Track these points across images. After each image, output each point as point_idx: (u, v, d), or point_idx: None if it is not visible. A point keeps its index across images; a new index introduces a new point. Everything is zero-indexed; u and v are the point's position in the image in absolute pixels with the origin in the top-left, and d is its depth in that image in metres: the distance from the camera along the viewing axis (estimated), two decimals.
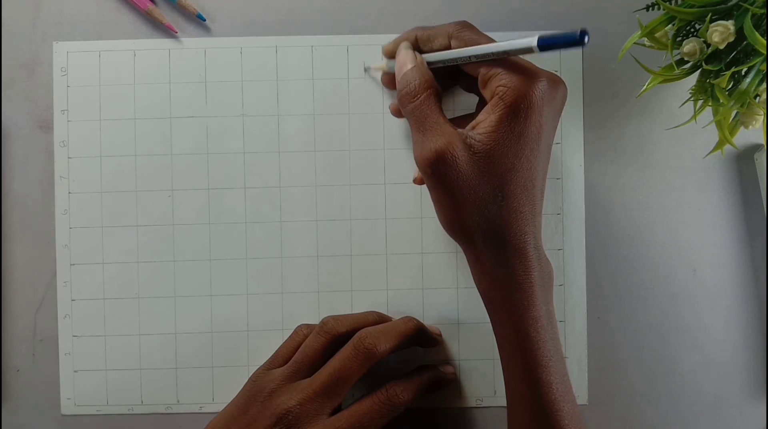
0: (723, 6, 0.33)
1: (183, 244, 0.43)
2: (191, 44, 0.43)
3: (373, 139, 0.43)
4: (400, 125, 0.43)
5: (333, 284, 0.43)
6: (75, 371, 0.43)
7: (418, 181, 0.41)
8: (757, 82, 0.33)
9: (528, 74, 0.34)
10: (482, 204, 0.35)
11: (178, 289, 0.43)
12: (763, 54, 0.32)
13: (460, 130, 0.35)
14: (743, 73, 0.34)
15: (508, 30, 0.43)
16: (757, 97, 0.34)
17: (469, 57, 0.35)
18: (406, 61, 0.38)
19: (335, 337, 0.39)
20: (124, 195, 0.43)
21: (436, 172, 0.35)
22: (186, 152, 0.43)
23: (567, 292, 0.43)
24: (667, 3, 0.35)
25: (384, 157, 0.43)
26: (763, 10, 0.32)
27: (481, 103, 0.38)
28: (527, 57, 0.34)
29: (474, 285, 0.37)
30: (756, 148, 0.43)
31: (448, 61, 0.37)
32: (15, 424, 0.43)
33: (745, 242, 0.43)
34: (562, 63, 0.43)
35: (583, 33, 0.31)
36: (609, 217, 0.43)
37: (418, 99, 0.36)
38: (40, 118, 0.43)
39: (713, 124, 0.36)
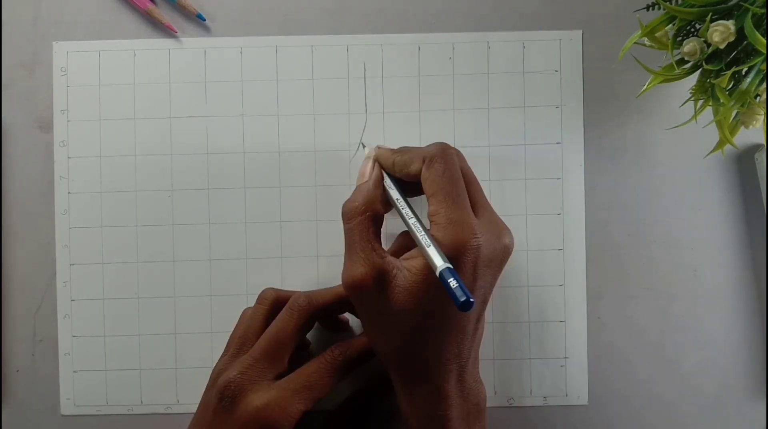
0: (723, 6, 0.33)
1: (183, 244, 0.43)
2: (191, 44, 0.43)
3: (374, 138, 0.43)
4: (400, 123, 0.43)
5: (333, 284, 0.43)
6: (75, 371, 0.43)
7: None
8: (757, 81, 0.33)
9: (461, 234, 0.33)
10: (401, 335, 0.35)
11: (177, 289, 0.43)
12: (763, 54, 0.32)
13: (391, 258, 0.35)
14: (744, 72, 0.34)
15: (508, 30, 0.43)
16: (758, 97, 0.34)
17: (403, 218, 0.36)
18: (364, 173, 0.38)
19: (273, 304, 0.39)
20: (123, 195, 0.43)
21: (354, 297, 0.36)
22: (186, 152, 0.43)
23: (567, 292, 0.43)
24: (668, 3, 0.35)
25: None
26: (764, 10, 0.32)
27: None
28: None
29: None
30: (756, 148, 0.43)
31: (392, 202, 0.37)
32: (15, 424, 0.43)
33: (745, 242, 0.43)
34: (563, 63, 0.43)
35: (466, 303, 0.30)
36: (609, 217, 0.43)
37: (352, 222, 0.36)
38: (40, 118, 0.43)
39: (713, 124, 0.36)
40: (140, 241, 0.43)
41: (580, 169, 0.43)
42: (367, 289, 0.35)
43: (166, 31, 0.43)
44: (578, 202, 0.43)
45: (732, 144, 0.36)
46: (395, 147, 0.43)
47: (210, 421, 0.36)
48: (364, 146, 0.43)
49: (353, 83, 0.43)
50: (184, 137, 0.43)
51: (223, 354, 0.39)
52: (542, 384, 0.43)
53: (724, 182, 0.43)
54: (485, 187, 0.43)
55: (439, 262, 0.32)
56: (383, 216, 0.37)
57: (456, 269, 0.33)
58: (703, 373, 0.43)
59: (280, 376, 0.37)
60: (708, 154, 0.39)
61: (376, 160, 0.39)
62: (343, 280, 0.36)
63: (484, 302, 0.36)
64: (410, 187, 0.37)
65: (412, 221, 0.35)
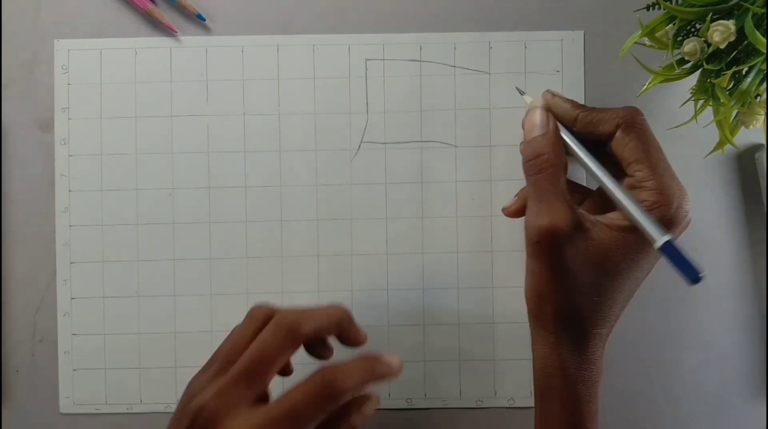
0: (724, 5, 0.33)
1: (183, 243, 0.43)
2: (193, 43, 0.43)
3: (375, 137, 0.43)
4: (401, 123, 0.43)
5: (333, 284, 0.43)
6: (74, 370, 0.43)
7: (507, 213, 0.40)
8: (757, 81, 0.33)
9: (675, 210, 0.34)
10: (577, 291, 0.35)
11: (177, 287, 0.43)
12: (763, 53, 0.32)
13: (582, 211, 0.35)
14: (744, 72, 0.34)
15: (508, 30, 0.43)
16: (758, 97, 0.34)
17: (600, 181, 0.35)
18: (537, 125, 0.37)
19: (265, 321, 0.34)
20: (124, 193, 0.43)
21: (541, 245, 0.35)
22: (187, 151, 0.43)
23: None
24: (668, 2, 0.35)
25: (385, 156, 0.43)
26: (764, 10, 0.32)
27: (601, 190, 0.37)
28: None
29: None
30: (756, 147, 0.43)
31: (578, 158, 0.36)
32: (14, 422, 0.43)
33: (745, 242, 0.43)
34: (564, 63, 0.43)
35: (699, 278, 0.31)
36: None
37: (542, 173, 0.36)
38: (40, 117, 0.43)
39: (714, 123, 0.36)
40: (140, 240, 0.43)
41: (581, 169, 0.43)
42: (560, 236, 0.34)
43: (166, 31, 0.43)
44: None
45: (732, 144, 0.37)
46: (395, 145, 0.43)
47: None
48: (522, 93, 0.41)
49: (354, 82, 0.43)
50: (185, 136, 0.43)
51: (201, 370, 0.34)
52: None
53: (724, 182, 0.43)
54: (487, 187, 0.43)
55: (658, 235, 0.32)
56: (569, 168, 0.36)
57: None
58: (703, 373, 0.43)
59: (259, 399, 0.32)
60: (708, 154, 0.39)
61: (549, 110, 0.37)
62: (530, 226, 0.35)
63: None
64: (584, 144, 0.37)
65: (612, 182, 0.35)
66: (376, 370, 0.34)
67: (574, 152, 0.36)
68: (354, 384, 0.32)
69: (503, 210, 0.41)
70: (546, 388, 0.36)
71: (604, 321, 0.35)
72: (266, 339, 0.33)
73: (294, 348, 0.33)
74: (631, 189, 0.35)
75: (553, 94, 0.38)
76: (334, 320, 0.35)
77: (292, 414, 0.31)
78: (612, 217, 0.35)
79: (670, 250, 0.32)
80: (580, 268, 0.34)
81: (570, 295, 0.35)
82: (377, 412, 0.42)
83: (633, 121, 0.35)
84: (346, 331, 0.36)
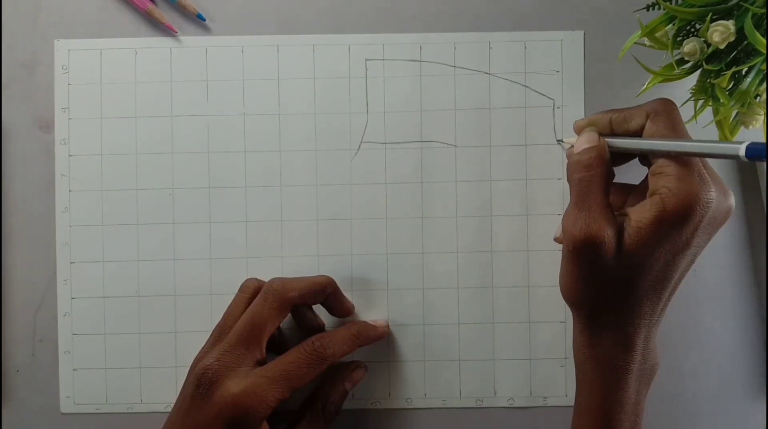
0: (723, 6, 0.33)
1: (183, 243, 0.43)
2: (193, 43, 0.43)
3: (375, 137, 0.43)
4: (401, 123, 0.43)
5: None
6: (74, 369, 0.43)
7: (559, 241, 0.41)
8: (757, 81, 0.33)
9: (696, 186, 0.33)
10: (606, 287, 0.35)
11: (178, 287, 0.43)
12: (763, 54, 0.32)
13: (618, 216, 0.35)
14: (744, 72, 0.34)
15: (508, 30, 0.43)
16: (758, 97, 0.34)
17: (662, 151, 0.34)
18: (586, 141, 0.37)
19: (255, 293, 0.40)
20: (124, 193, 0.43)
21: (578, 251, 0.35)
22: (187, 151, 0.43)
23: None
24: (668, 2, 0.35)
25: (385, 156, 0.43)
26: (764, 10, 0.32)
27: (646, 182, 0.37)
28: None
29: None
30: None
31: (634, 150, 0.36)
32: (15, 422, 0.43)
33: (745, 242, 0.43)
34: (564, 63, 0.43)
35: None
36: None
37: (590, 172, 0.35)
38: (40, 117, 0.43)
39: (714, 124, 0.36)
40: (141, 240, 0.43)
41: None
42: (591, 247, 0.34)
43: (166, 31, 0.43)
44: None
45: None
46: (395, 145, 0.43)
47: (187, 408, 0.36)
48: (561, 141, 0.43)
49: (354, 83, 0.43)
50: (185, 136, 0.43)
51: (204, 344, 0.39)
52: (542, 384, 0.43)
53: (724, 182, 0.43)
54: (486, 186, 0.43)
55: (734, 146, 0.31)
56: (613, 178, 0.36)
57: (682, 223, 0.33)
58: (703, 373, 0.43)
59: (258, 363, 0.37)
60: None
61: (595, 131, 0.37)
62: (569, 233, 0.35)
63: (692, 262, 0.36)
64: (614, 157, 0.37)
65: (665, 139, 0.34)
66: (361, 334, 0.40)
67: (622, 144, 0.36)
68: (340, 348, 0.39)
69: (555, 239, 0.42)
70: (579, 373, 0.37)
71: (638, 313, 0.35)
72: (256, 306, 0.38)
73: (282, 312, 0.38)
74: (653, 176, 0.34)
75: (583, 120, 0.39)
76: (319, 287, 0.40)
77: (285, 374, 0.36)
78: (639, 219, 0.34)
79: (754, 152, 0.31)
80: (611, 269, 0.34)
81: (598, 294, 0.35)
82: (377, 410, 0.43)
83: (661, 109, 0.35)
84: (332, 298, 0.41)
